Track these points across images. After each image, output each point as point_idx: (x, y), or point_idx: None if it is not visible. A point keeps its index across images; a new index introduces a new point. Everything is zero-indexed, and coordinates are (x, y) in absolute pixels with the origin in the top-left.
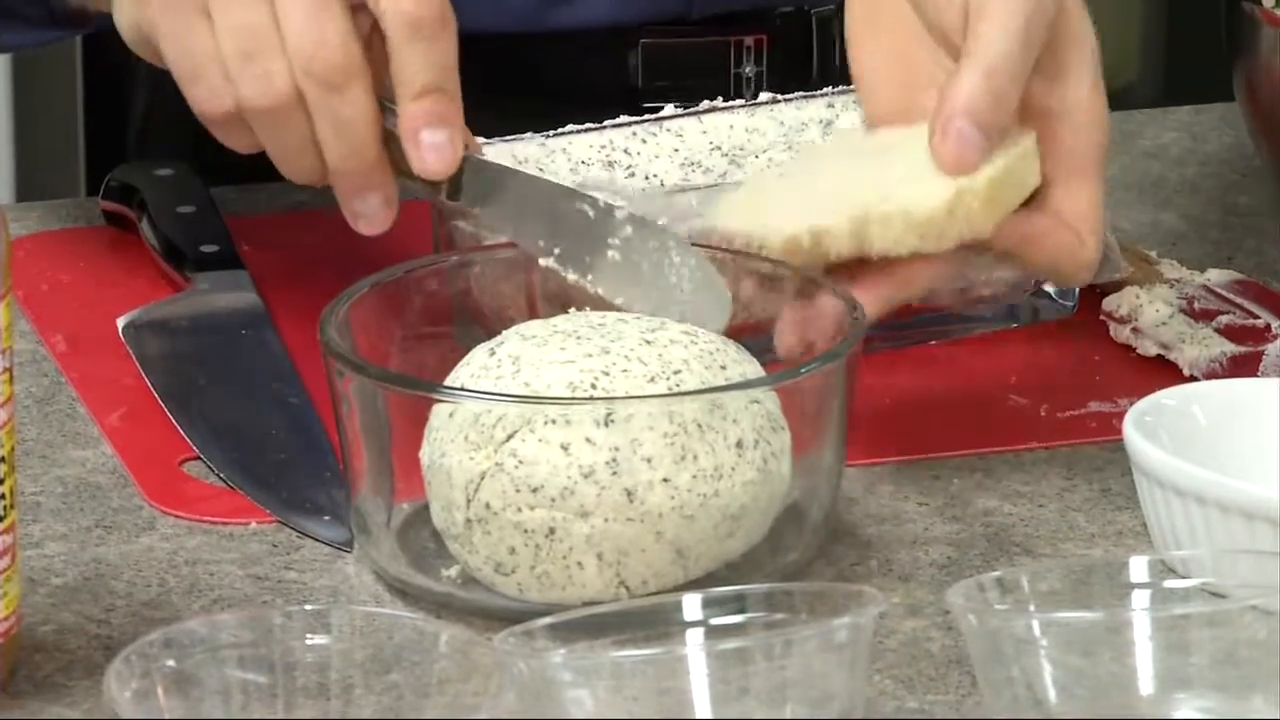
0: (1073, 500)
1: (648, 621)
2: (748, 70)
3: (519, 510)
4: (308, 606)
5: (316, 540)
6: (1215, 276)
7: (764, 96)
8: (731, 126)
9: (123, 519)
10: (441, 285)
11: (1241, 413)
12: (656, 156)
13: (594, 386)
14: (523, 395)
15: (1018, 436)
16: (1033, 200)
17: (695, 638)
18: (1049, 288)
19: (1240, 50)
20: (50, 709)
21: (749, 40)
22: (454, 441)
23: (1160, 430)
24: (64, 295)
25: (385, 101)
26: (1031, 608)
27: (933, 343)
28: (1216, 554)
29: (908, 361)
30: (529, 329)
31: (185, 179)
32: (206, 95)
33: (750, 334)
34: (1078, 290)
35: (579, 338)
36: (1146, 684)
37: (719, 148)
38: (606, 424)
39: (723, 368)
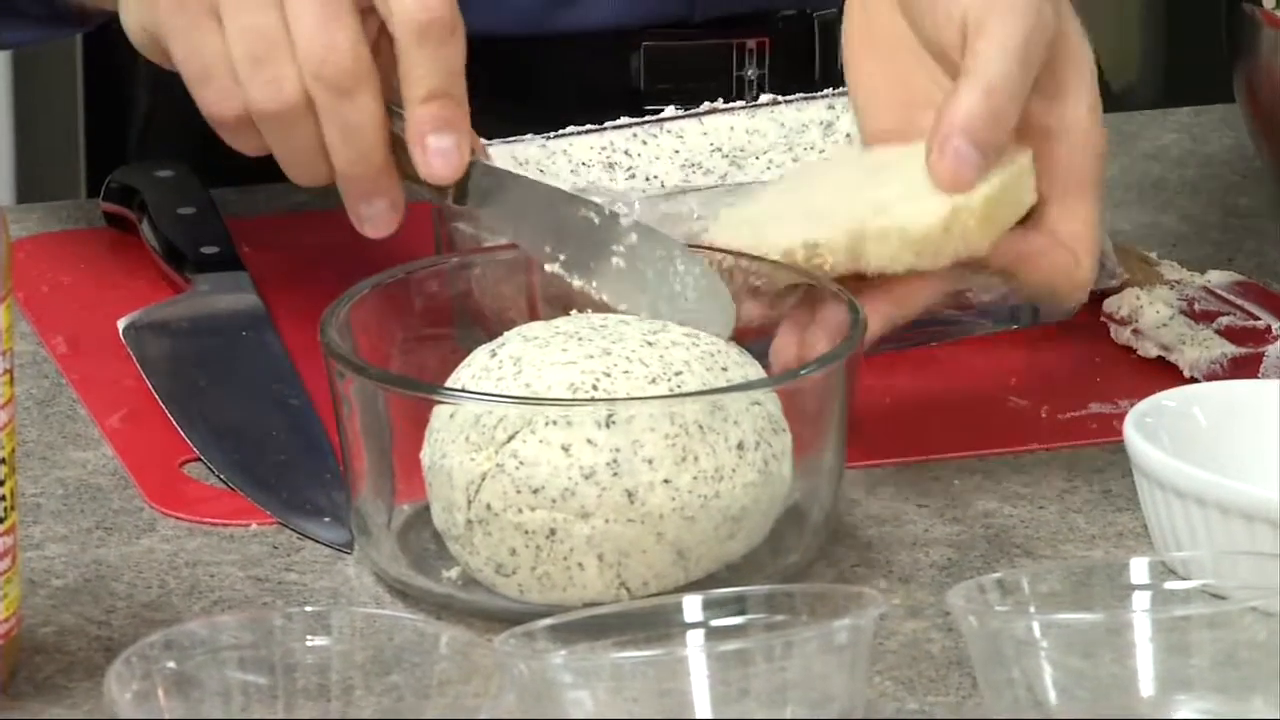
0: (1073, 502)
1: (648, 623)
2: (750, 73)
3: (520, 511)
4: (308, 608)
5: (317, 542)
6: (1215, 278)
7: (764, 98)
8: (732, 128)
9: (123, 520)
10: (442, 287)
11: (1242, 414)
12: (657, 158)
13: (595, 388)
14: (523, 396)
15: (1018, 438)
16: (1028, 219)
17: (696, 639)
18: None
19: (1240, 51)
20: (51, 710)
21: (751, 43)
22: (455, 442)
23: (1161, 432)
24: (64, 297)
25: (392, 106)
26: (1032, 609)
27: (933, 344)
28: (1217, 555)
29: (908, 363)
30: (531, 330)
31: (186, 180)
32: (216, 98)
33: (753, 338)
34: None
35: (580, 339)
36: (1147, 685)
37: (719, 149)
38: (608, 425)
39: (724, 369)
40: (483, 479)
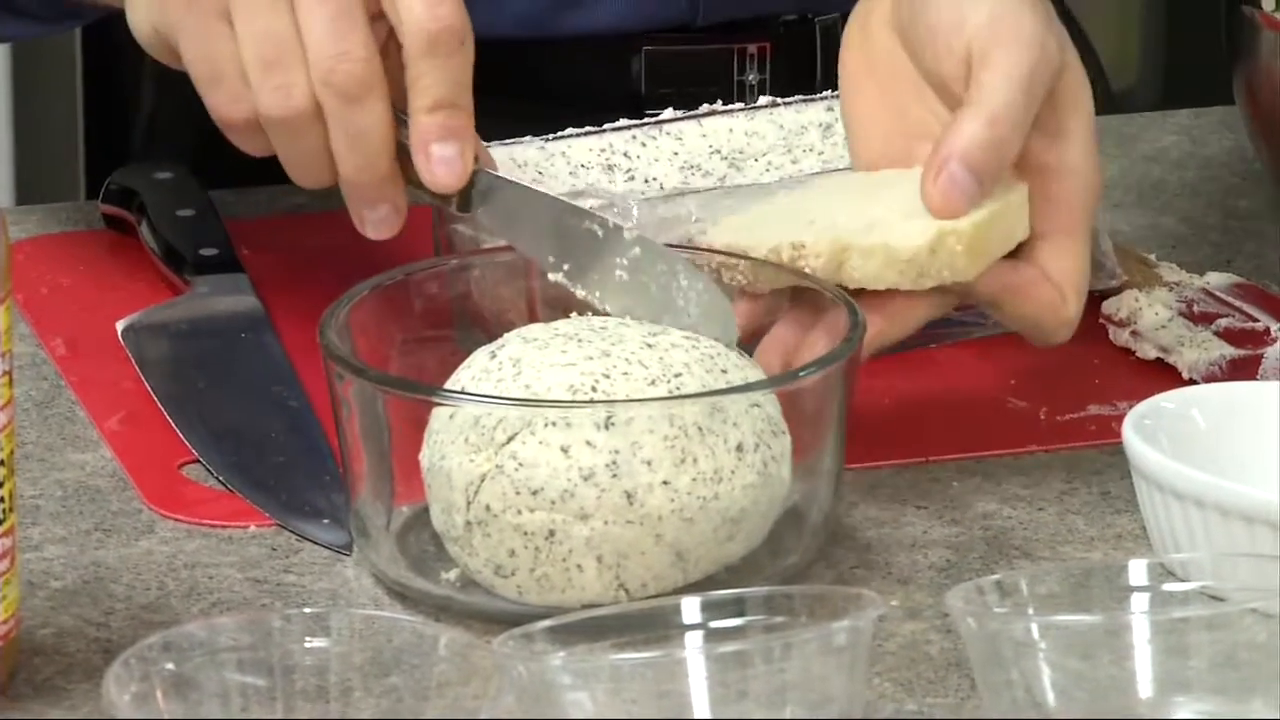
0: (1072, 503)
1: (647, 624)
2: (751, 78)
3: (519, 513)
4: (307, 609)
5: (316, 543)
6: (1214, 280)
7: (763, 100)
8: (731, 130)
9: (122, 522)
10: (441, 288)
11: (1241, 416)
12: (656, 160)
13: (595, 389)
14: (523, 398)
15: (1017, 440)
16: (1019, 252)
17: (694, 641)
18: None
19: (1240, 53)
20: (50, 712)
21: (752, 48)
22: (454, 444)
23: (1159, 433)
24: (63, 298)
25: (398, 113)
26: (1030, 611)
27: (932, 346)
28: (1216, 557)
29: (907, 364)
30: (530, 332)
31: (185, 182)
32: (225, 101)
33: (748, 339)
34: None
35: (580, 341)
36: (1146, 687)
37: (718, 151)
38: (607, 427)
39: (724, 372)
40: (482, 480)
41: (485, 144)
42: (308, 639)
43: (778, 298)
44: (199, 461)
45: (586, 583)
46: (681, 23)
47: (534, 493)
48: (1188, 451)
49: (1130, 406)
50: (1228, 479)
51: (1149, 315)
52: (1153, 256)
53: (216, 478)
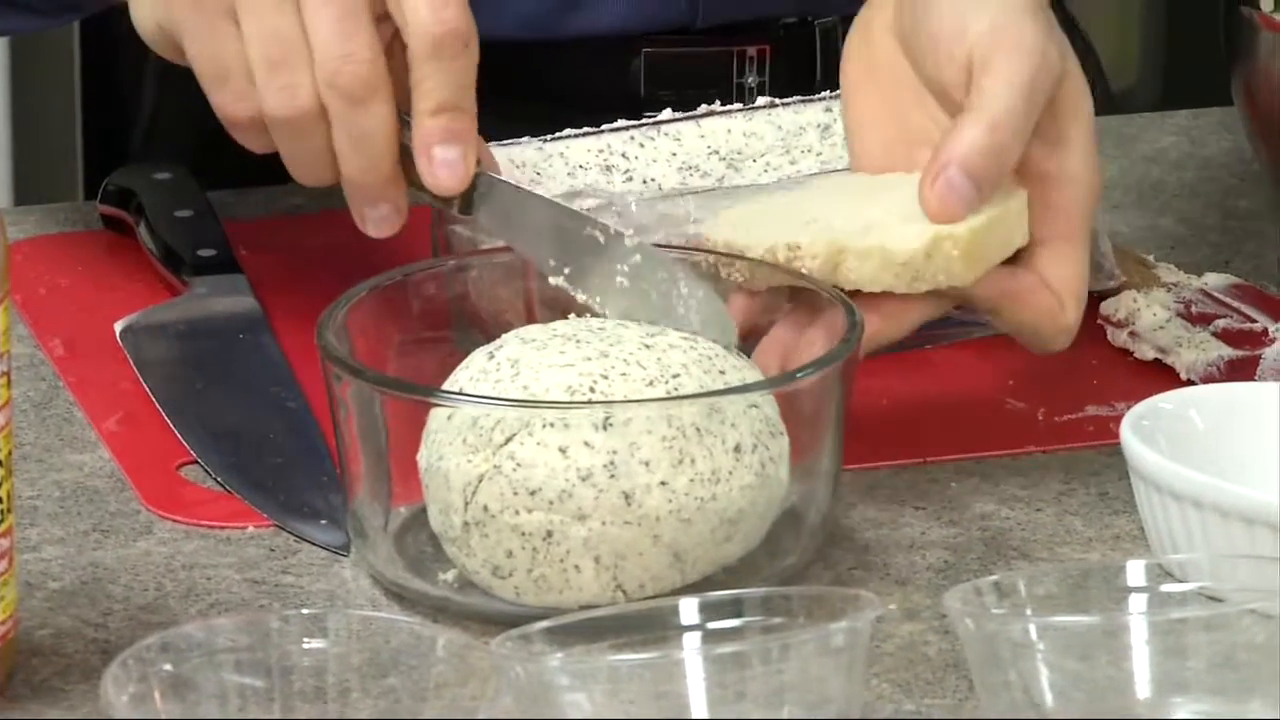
0: (1070, 504)
1: (645, 625)
2: (751, 80)
3: (517, 513)
4: (305, 610)
5: (313, 544)
6: (1213, 280)
7: (761, 101)
8: (729, 131)
9: (120, 523)
10: (439, 289)
11: (1239, 416)
12: (654, 161)
13: (593, 390)
14: (521, 399)
15: (1015, 440)
16: (1018, 259)
17: (692, 642)
18: None
19: (1239, 54)
20: (48, 713)
21: (752, 50)
22: (452, 444)
23: (1158, 434)
24: (62, 299)
25: (401, 114)
26: (1028, 612)
27: (930, 346)
28: (1214, 558)
29: (905, 365)
30: (529, 333)
31: (183, 183)
32: (229, 99)
33: (750, 338)
34: None
35: (578, 341)
36: (1144, 688)
37: (716, 152)
38: (605, 427)
39: (722, 373)
40: (480, 481)
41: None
42: (305, 640)
43: (775, 296)
44: (197, 462)
45: (584, 583)
46: (681, 25)
47: (532, 493)
48: (1186, 452)
49: (1128, 407)
50: (1226, 480)
51: (1147, 316)
52: (1151, 257)
53: (214, 479)
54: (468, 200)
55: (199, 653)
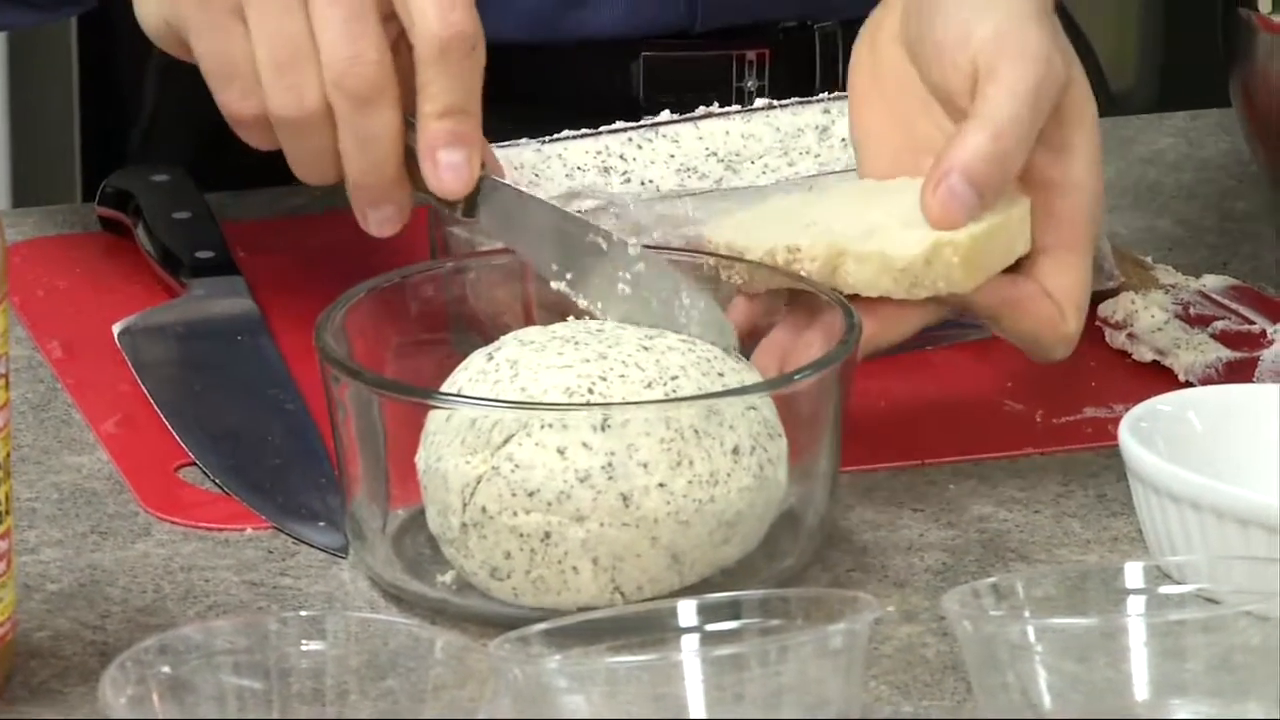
0: (1068, 506)
1: (643, 627)
2: (750, 84)
3: (515, 514)
4: (303, 612)
5: (312, 546)
6: (1211, 282)
7: (759, 102)
8: (728, 132)
9: (118, 525)
10: (438, 291)
11: (1237, 418)
12: (652, 162)
13: (591, 391)
14: (519, 400)
15: (1013, 442)
16: (1019, 267)
17: (690, 644)
18: None
19: (1237, 55)
20: (46, 715)
21: (751, 54)
22: (450, 446)
23: (1156, 436)
24: (60, 301)
25: (407, 116)
26: (1026, 613)
27: (928, 348)
28: (1212, 560)
29: (903, 367)
30: (527, 334)
31: (181, 185)
32: (236, 98)
33: (749, 340)
34: None
35: (577, 343)
36: (1141, 689)
37: (715, 153)
38: (603, 429)
39: (720, 375)
40: (478, 482)
41: None
42: (304, 642)
43: (775, 298)
44: (195, 464)
45: (582, 585)
46: (680, 28)
47: (530, 495)
48: (1184, 454)
49: (1126, 409)
50: (1224, 482)
51: (1145, 318)
52: (1149, 259)
53: (213, 480)
54: (471, 203)
55: (197, 655)
